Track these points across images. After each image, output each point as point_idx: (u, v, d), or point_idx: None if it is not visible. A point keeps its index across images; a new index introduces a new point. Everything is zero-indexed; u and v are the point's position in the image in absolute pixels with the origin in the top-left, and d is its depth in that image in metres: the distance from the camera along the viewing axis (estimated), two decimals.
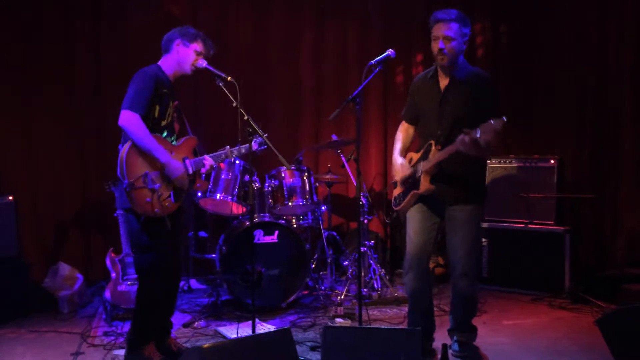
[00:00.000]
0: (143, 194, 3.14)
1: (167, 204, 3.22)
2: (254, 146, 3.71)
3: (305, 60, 5.74)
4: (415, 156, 3.36)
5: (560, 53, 5.46)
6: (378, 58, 3.16)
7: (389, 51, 3.18)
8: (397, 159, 3.45)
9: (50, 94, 4.97)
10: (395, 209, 3.46)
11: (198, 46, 3.36)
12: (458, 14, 3.17)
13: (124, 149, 3.14)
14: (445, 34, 3.14)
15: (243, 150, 3.61)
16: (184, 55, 3.35)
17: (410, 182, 3.34)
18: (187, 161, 3.33)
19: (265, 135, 3.46)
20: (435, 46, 3.17)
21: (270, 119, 5.52)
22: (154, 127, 3.23)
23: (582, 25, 5.31)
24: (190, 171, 3.35)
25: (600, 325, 2.95)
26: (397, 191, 3.48)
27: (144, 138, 3.12)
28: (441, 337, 3.49)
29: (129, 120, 3.11)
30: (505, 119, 2.81)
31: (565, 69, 5.42)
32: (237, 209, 4.47)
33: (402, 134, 3.55)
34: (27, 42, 4.87)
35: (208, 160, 3.44)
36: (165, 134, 3.31)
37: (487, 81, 3.27)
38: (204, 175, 3.88)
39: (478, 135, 2.87)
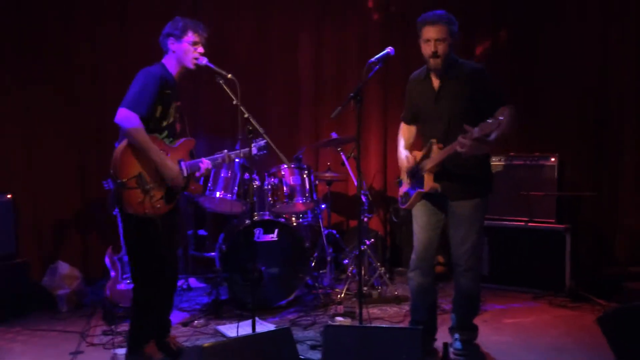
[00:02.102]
0: (135, 195, 3.10)
1: (158, 205, 3.17)
2: (254, 151, 3.65)
3: (305, 57, 5.73)
4: (419, 154, 3.36)
5: (561, 51, 5.44)
6: (378, 56, 3.14)
7: (389, 49, 3.16)
8: (402, 152, 3.45)
9: (49, 92, 4.96)
10: (402, 207, 3.48)
11: (190, 37, 3.27)
12: (445, 14, 3.17)
13: (120, 147, 3.10)
14: (436, 36, 3.12)
15: (242, 154, 3.58)
16: (181, 51, 3.28)
17: (415, 180, 3.33)
18: (182, 163, 3.28)
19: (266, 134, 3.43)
20: (428, 49, 3.15)
21: (270, 117, 5.50)
22: (155, 127, 3.20)
23: (583, 25, 5.30)
24: (185, 174, 3.30)
25: (601, 324, 2.93)
26: (402, 190, 3.48)
27: (139, 136, 3.07)
28: (442, 336, 3.48)
29: (127, 117, 3.06)
30: (508, 109, 2.75)
31: (567, 66, 5.40)
32: (237, 207, 4.45)
33: (405, 132, 3.55)
34: (27, 43, 4.86)
35: (204, 163, 3.38)
36: (165, 134, 3.28)
37: (480, 73, 3.22)
38: (202, 178, 3.84)
39: (477, 135, 2.86)
